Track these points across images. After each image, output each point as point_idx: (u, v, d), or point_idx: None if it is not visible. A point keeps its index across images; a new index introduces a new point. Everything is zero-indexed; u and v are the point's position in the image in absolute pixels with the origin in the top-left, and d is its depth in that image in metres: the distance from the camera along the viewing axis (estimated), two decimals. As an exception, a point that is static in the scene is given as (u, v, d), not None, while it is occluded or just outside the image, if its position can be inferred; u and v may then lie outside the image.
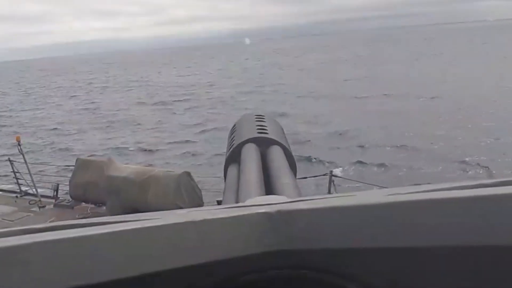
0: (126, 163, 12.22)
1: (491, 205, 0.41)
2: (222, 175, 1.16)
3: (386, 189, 0.61)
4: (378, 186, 10.72)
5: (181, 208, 8.96)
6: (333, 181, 9.08)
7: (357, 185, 10.97)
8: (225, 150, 1.27)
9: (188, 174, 9.93)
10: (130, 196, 9.72)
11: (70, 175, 11.27)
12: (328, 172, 9.03)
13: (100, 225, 0.46)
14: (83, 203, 11.18)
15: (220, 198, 1.03)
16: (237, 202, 0.84)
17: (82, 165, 11.03)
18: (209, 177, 12.25)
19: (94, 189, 10.49)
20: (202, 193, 10.15)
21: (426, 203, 0.44)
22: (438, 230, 0.43)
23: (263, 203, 0.55)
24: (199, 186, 10.21)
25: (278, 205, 0.51)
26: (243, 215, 0.49)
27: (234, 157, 1.14)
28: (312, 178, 9.10)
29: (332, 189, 9.06)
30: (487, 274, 0.44)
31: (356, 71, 53.42)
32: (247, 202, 0.64)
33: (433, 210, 0.43)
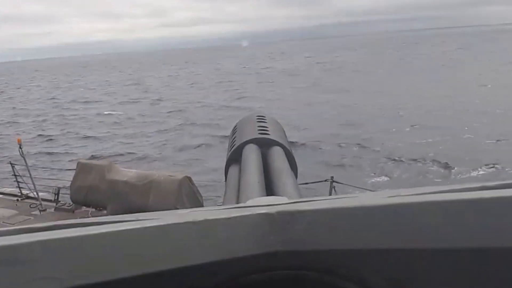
0: (127, 167, 12.19)
1: (493, 208, 0.41)
2: (223, 180, 1.15)
3: (387, 190, 0.61)
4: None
5: (182, 212, 8.90)
6: (334, 186, 9.09)
7: (357, 191, 10.94)
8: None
9: (189, 178, 9.92)
10: (131, 200, 9.71)
11: (71, 178, 11.27)
12: (329, 177, 9.03)
13: (100, 224, 0.45)
14: (84, 207, 11.18)
15: (221, 203, 1.01)
16: (237, 202, 0.83)
17: (83, 168, 11.03)
18: (210, 181, 12.24)
19: (95, 193, 10.48)
20: (203, 197, 10.13)
21: (427, 205, 0.44)
22: (439, 232, 0.43)
23: (264, 203, 0.54)
24: (199, 190, 10.20)
25: (278, 206, 0.51)
26: (244, 216, 0.48)
27: (235, 158, 1.13)
28: (313, 183, 9.10)
29: (333, 195, 9.04)
30: (489, 276, 0.44)
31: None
32: (248, 203, 0.63)
33: (434, 212, 0.43)
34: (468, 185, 0.53)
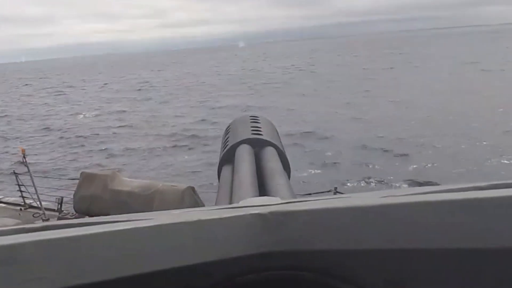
0: (130, 177, 12.24)
1: (486, 208, 0.42)
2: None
3: (381, 191, 0.60)
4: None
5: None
6: (337, 197, 9.10)
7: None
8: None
9: (192, 188, 9.95)
10: (134, 210, 9.68)
11: (74, 188, 11.30)
12: (333, 188, 9.07)
13: (95, 224, 0.45)
14: (87, 217, 11.18)
15: (214, 203, 1.00)
16: (230, 203, 0.82)
17: (86, 178, 11.05)
18: (213, 192, 12.27)
19: (98, 203, 10.51)
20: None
21: (421, 205, 0.44)
22: (433, 232, 0.43)
23: (257, 204, 0.54)
24: (202, 201, 10.23)
25: (271, 206, 0.51)
26: (237, 216, 0.48)
27: (228, 158, 1.13)
28: (315, 194, 9.13)
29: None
30: (484, 277, 0.44)
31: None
32: (241, 203, 0.62)
33: (428, 212, 0.43)
34: (461, 185, 0.54)
